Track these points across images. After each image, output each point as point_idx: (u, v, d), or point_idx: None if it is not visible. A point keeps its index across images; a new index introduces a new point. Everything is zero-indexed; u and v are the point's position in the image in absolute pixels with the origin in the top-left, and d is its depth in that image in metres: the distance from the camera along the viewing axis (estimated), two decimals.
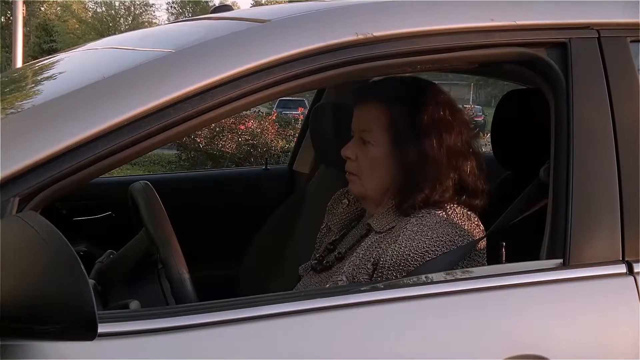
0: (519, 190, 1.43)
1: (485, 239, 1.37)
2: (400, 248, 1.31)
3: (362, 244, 1.42)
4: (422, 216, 1.34)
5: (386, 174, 1.40)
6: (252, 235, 2.24)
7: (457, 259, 1.29)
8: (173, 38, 1.37)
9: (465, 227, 1.35)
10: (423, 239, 1.31)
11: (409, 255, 1.30)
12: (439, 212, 1.35)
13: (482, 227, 1.38)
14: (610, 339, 1.20)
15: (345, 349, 1.08)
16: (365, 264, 1.35)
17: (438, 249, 1.31)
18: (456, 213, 1.36)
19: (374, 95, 1.44)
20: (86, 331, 0.89)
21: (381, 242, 1.36)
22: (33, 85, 1.43)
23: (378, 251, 1.34)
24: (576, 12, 1.32)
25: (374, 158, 1.41)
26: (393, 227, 1.38)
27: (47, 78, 1.47)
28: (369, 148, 1.41)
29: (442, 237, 1.32)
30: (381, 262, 1.31)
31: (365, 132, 1.42)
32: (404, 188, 1.39)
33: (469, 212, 1.39)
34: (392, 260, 1.30)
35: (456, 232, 1.33)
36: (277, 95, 1.17)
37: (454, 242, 1.32)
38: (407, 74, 1.50)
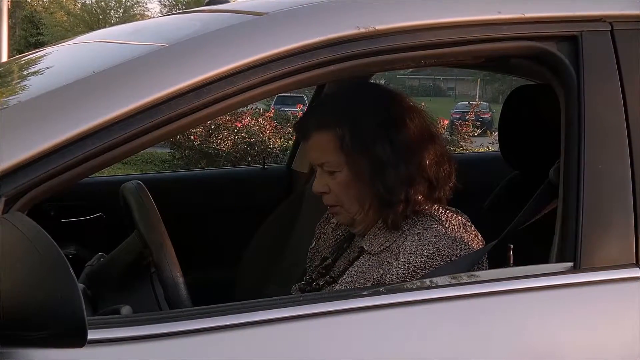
0: (527, 191, 1.43)
1: (486, 248, 1.37)
2: (405, 265, 1.32)
3: (355, 263, 1.42)
4: (419, 232, 1.35)
5: (359, 193, 1.41)
6: (249, 237, 2.24)
7: (464, 269, 1.29)
8: (166, 32, 1.37)
9: (465, 240, 1.36)
10: (425, 254, 1.32)
11: (414, 271, 1.31)
12: (436, 225, 1.36)
13: (479, 236, 1.39)
14: (624, 345, 1.20)
15: (346, 356, 1.08)
16: (363, 284, 1.36)
17: (441, 263, 1.32)
18: (452, 225, 1.37)
19: (313, 126, 1.44)
20: (75, 338, 0.89)
21: (381, 262, 1.37)
22: (19, 80, 1.43)
23: (380, 272, 1.34)
24: (588, 4, 1.32)
25: (343, 184, 1.41)
26: (388, 247, 1.38)
27: (34, 73, 1.47)
28: (335, 176, 1.42)
29: (444, 251, 1.32)
30: (387, 282, 1.31)
31: (324, 163, 1.43)
32: (379, 202, 1.40)
33: (464, 222, 1.39)
34: (397, 279, 1.31)
35: (457, 246, 1.34)
36: (275, 92, 1.17)
37: (456, 255, 1.33)
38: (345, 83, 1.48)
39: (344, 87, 1.52)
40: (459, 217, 1.40)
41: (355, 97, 1.46)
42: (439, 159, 1.41)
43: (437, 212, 1.39)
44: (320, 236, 1.63)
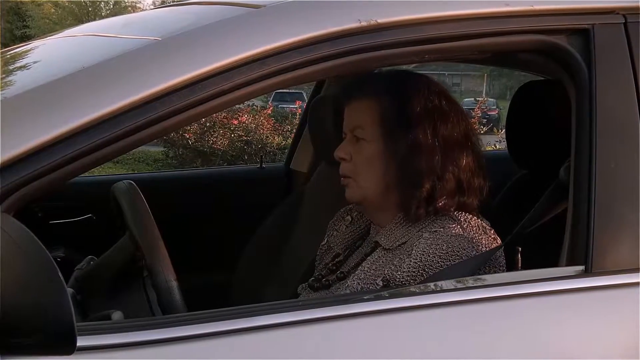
0: (536, 192, 1.43)
1: (502, 251, 1.37)
2: (416, 263, 1.33)
3: (368, 259, 1.43)
4: (436, 231, 1.36)
5: (383, 170, 1.42)
6: (247, 239, 2.24)
7: (472, 269, 1.29)
8: (159, 25, 1.37)
9: (483, 242, 1.36)
10: (438, 253, 1.32)
11: (424, 270, 1.31)
12: (454, 225, 1.37)
13: (499, 240, 1.40)
14: (636, 352, 1.20)
15: None
16: (373, 280, 1.37)
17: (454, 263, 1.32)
18: (472, 226, 1.37)
19: (364, 91, 1.47)
20: (64, 344, 0.89)
21: (393, 258, 1.38)
22: (4, 75, 1.43)
23: (391, 267, 1.35)
24: None
25: (368, 155, 1.43)
26: (404, 243, 1.39)
27: (20, 68, 1.47)
28: (362, 145, 1.44)
29: (459, 252, 1.33)
30: (397, 279, 1.32)
31: (358, 128, 1.46)
32: (403, 185, 1.41)
33: (484, 225, 1.39)
34: (408, 276, 1.32)
35: (472, 247, 1.34)
36: (273, 88, 1.17)
37: (469, 257, 1.33)
38: (398, 68, 1.52)
39: (403, 72, 1.55)
40: (479, 220, 1.40)
41: (412, 80, 1.48)
42: (475, 169, 1.43)
43: (457, 213, 1.40)
44: (332, 233, 1.63)
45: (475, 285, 1.20)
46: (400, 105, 1.42)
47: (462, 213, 1.40)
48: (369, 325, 1.11)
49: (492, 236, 1.39)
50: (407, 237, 1.40)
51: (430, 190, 1.38)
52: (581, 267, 1.22)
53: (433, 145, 1.39)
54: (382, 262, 1.40)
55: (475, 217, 1.40)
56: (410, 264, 1.33)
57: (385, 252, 1.41)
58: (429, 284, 1.22)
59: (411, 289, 1.22)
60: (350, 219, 1.61)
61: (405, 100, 1.42)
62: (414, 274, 1.31)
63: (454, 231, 1.35)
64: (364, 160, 1.44)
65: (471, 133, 1.47)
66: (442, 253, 1.32)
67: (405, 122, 1.40)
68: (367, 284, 1.37)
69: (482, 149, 1.53)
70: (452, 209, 1.40)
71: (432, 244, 1.33)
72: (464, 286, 1.20)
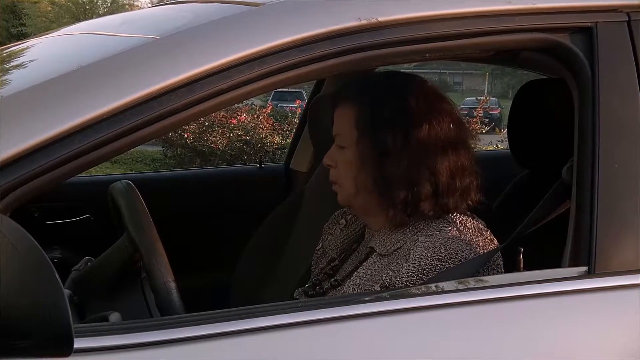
0: (538, 191, 1.43)
1: (499, 252, 1.37)
2: (414, 267, 1.33)
3: (364, 265, 1.43)
4: (432, 234, 1.36)
5: (358, 177, 1.43)
6: (246, 239, 2.24)
7: (471, 272, 1.29)
8: (157, 23, 1.37)
9: (480, 243, 1.36)
10: (436, 256, 1.32)
11: (423, 273, 1.31)
12: (450, 227, 1.37)
13: (495, 242, 1.39)
14: (639, 353, 1.21)
15: None
16: (371, 286, 1.37)
17: (452, 266, 1.32)
18: (467, 228, 1.38)
19: (343, 97, 1.48)
20: (61, 346, 0.89)
21: (390, 264, 1.38)
22: (1, 74, 1.43)
23: (389, 273, 1.35)
24: None
25: (346, 161, 1.44)
26: (399, 248, 1.39)
27: (17, 66, 1.47)
28: (344, 152, 1.45)
29: (457, 254, 1.33)
30: (397, 285, 1.32)
31: (338, 135, 1.47)
32: (378, 191, 1.41)
33: (480, 226, 1.40)
34: (407, 281, 1.32)
35: (470, 249, 1.34)
36: (272, 87, 1.17)
37: (468, 259, 1.33)
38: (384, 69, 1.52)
39: (388, 73, 1.55)
40: (475, 222, 1.40)
41: (388, 81, 1.48)
42: (456, 170, 1.41)
43: (452, 216, 1.40)
44: (327, 237, 1.64)
45: (477, 286, 1.20)
46: (371, 111, 1.42)
47: (456, 215, 1.40)
48: (370, 326, 1.11)
49: (489, 237, 1.39)
50: (402, 241, 1.40)
51: (406, 195, 1.37)
52: (584, 268, 1.22)
53: (403, 150, 1.38)
54: (378, 267, 1.40)
55: (470, 219, 1.40)
56: (409, 269, 1.33)
57: (380, 257, 1.41)
58: (430, 285, 1.22)
59: (412, 291, 1.22)
60: (345, 222, 1.61)
61: (375, 105, 1.42)
62: (413, 278, 1.31)
63: (450, 234, 1.35)
64: (343, 166, 1.45)
65: (457, 132, 1.43)
66: (440, 256, 1.32)
67: (374, 127, 1.40)
68: (364, 289, 1.37)
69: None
70: (439, 212, 1.39)
71: (429, 247, 1.33)
72: (466, 287, 1.20)
